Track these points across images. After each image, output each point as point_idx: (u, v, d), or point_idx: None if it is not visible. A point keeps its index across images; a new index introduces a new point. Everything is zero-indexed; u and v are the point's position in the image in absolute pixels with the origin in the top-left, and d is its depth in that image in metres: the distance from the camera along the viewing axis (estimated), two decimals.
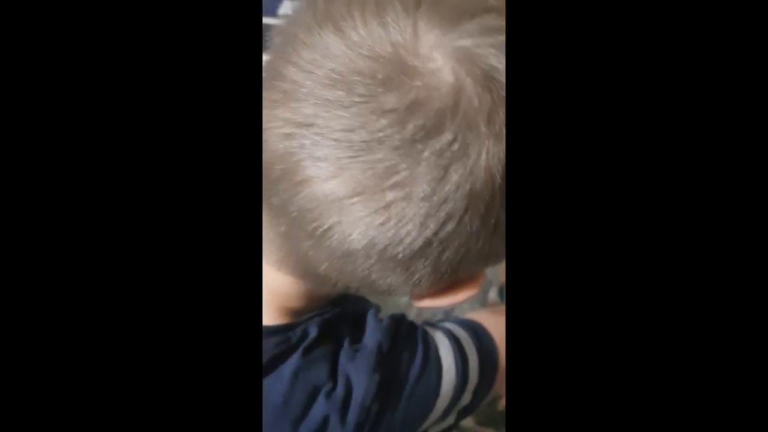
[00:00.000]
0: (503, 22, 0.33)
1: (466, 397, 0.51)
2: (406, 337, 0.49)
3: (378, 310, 0.51)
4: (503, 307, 0.61)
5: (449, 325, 0.54)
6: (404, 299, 0.72)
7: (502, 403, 0.75)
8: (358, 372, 0.45)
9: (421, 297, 0.41)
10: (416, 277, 0.37)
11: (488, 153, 0.32)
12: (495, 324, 0.55)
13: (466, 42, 0.33)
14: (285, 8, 1.13)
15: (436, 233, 0.34)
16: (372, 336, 0.47)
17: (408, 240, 0.34)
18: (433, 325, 0.54)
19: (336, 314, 0.47)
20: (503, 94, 0.32)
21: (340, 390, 0.44)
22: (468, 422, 0.80)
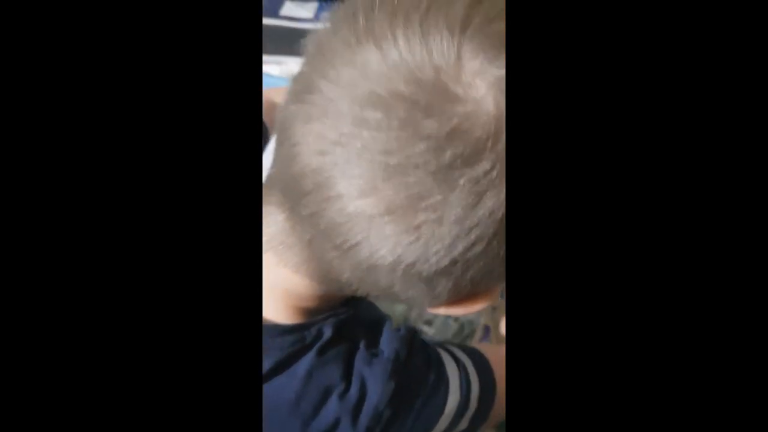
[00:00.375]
0: None
1: (464, 423, 0.52)
2: (420, 351, 0.50)
3: (389, 317, 0.52)
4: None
5: (455, 350, 0.55)
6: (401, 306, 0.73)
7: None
8: (374, 376, 0.46)
9: (438, 305, 0.41)
10: (437, 291, 0.37)
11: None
12: (497, 357, 0.56)
13: None
14: (287, 10, 1.13)
15: (463, 254, 0.34)
16: (390, 343, 0.47)
17: (435, 259, 0.34)
18: (441, 346, 0.54)
19: (350, 316, 0.47)
20: None
21: (354, 392, 0.45)
22: None
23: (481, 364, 0.54)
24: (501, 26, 0.32)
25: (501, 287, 0.42)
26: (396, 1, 0.34)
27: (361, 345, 0.47)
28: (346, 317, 0.47)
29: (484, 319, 0.74)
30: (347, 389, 0.45)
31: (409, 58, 0.32)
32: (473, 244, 0.33)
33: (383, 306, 0.73)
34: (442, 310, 0.42)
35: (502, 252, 0.34)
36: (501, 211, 0.33)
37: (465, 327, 0.71)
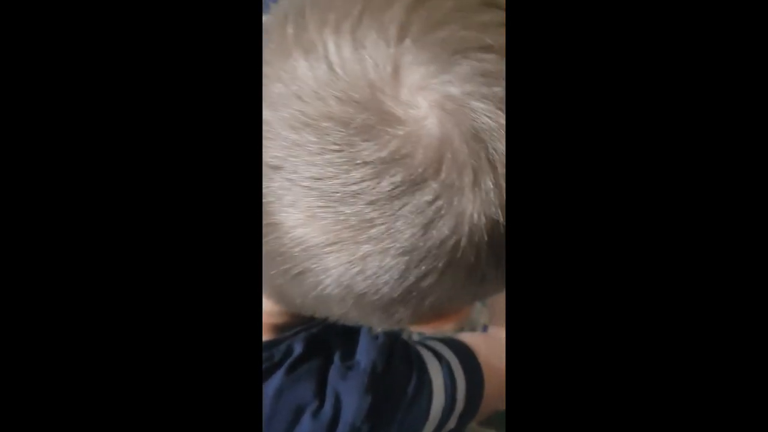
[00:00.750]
0: (503, 66, 0.28)
1: (452, 422, 0.51)
2: (401, 357, 0.47)
3: None
4: (494, 333, 0.61)
5: (439, 347, 0.52)
6: None
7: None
8: (349, 391, 0.43)
9: (402, 326, 0.40)
10: (396, 317, 0.35)
11: (475, 213, 0.29)
12: (483, 348, 0.54)
13: (456, 89, 0.28)
14: None
15: (416, 284, 0.31)
16: (366, 354, 0.45)
17: (386, 290, 0.32)
18: (424, 344, 0.52)
19: (324, 327, 0.44)
20: (494, 153, 0.29)
21: (327, 409, 0.43)
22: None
23: (467, 358, 0.52)
24: (446, 33, 0.29)
25: (472, 306, 0.40)
26: (327, 5, 0.30)
27: (336, 358, 0.44)
28: (319, 330, 0.44)
29: (484, 319, 0.74)
30: (320, 407, 0.43)
31: (341, 73, 0.29)
32: (425, 275, 0.31)
33: None
34: (413, 327, 0.40)
35: (461, 283, 0.32)
36: (451, 242, 0.30)
37: (465, 327, 0.71)
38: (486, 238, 0.30)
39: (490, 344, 0.56)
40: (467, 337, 0.56)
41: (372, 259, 0.31)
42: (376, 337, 0.46)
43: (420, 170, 0.29)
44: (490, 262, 0.31)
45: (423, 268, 0.31)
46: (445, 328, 0.40)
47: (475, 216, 0.30)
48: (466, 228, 0.30)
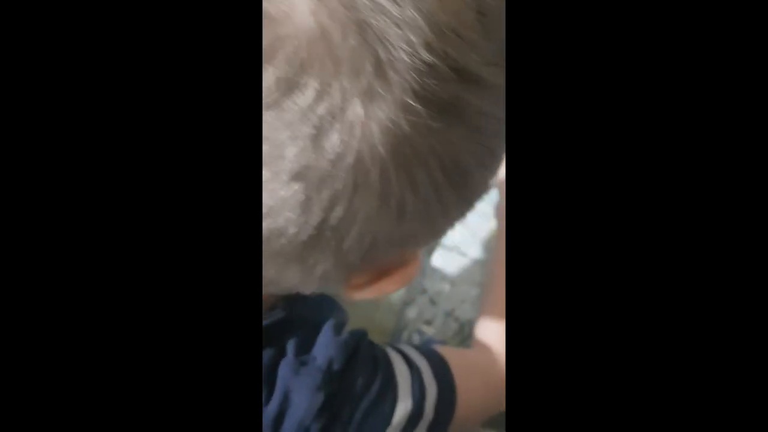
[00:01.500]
0: None
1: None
2: (365, 358, 0.44)
3: (343, 321, 0.46)
4: (476, 348, 0.58)
5: (410, 351, 0.50)
6: (388, 308, 0.72)
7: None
8: (300, 387, 0.41)
9: (350, 291, 0.37)
10: (318, 271, 0.31)
11: (372, 119, 0.26)
12: (459, 362, 0.51)
13: None
14: None
15: (324, 220, 0.28)
16: (324, 349, 0.42)
17: (291, 230, 0.28)
18: (394, 347, 0.50)
19: (281, 319, 0.42)
20: (391, 57, 0.26)
21: (274, 405, 0.41)
22: None
23: (440, 368, 0.49)
24: None
25: (420, 258, 0.37)
26: None
27: (289, 351, 0.42)
28: (274, 321, 0.42)
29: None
30: (267, 402, 0.40)
31: None
32: (331, 205, 0.28)
33: (362, 314, 0.73)
34: (357, 296, 0.37)
35: (375, 214, 0.29)
36: (351, 158, 0.27)
37: (465, 327, 0.71)
38: (387, 155, 0.27)
39: (465, 358, 0.54)
40: (442, 349, 0.53)
41: (265, 189, 0.28)
42: (339, 334, 0.44)
43: (293, 67, 0.26)
44: (404, 184, 0.28)
45: (325, 194, 0.28)
46: (390, 290, 0.36)
47: (375, 121, 0.27)
48: (364, 138, 0.27)
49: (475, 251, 0.74)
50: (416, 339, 0.71)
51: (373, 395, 0.44)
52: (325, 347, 0.42)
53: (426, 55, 0.27)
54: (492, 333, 0.58)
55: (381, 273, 0.36)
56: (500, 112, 0.30)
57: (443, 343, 0.70)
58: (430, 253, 0.75)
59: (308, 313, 0.44)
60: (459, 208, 0.34)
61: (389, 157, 0.27)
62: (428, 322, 0.72)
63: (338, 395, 0.42)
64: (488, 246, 0.74)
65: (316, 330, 0.43)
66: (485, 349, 0.57)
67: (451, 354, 0.52)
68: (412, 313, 0.72)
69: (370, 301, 0.72)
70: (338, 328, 0.44)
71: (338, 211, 0.28)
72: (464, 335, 0.71)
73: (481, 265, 0.74)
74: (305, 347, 0.42)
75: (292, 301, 0.43)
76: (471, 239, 0.75)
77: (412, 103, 0.27)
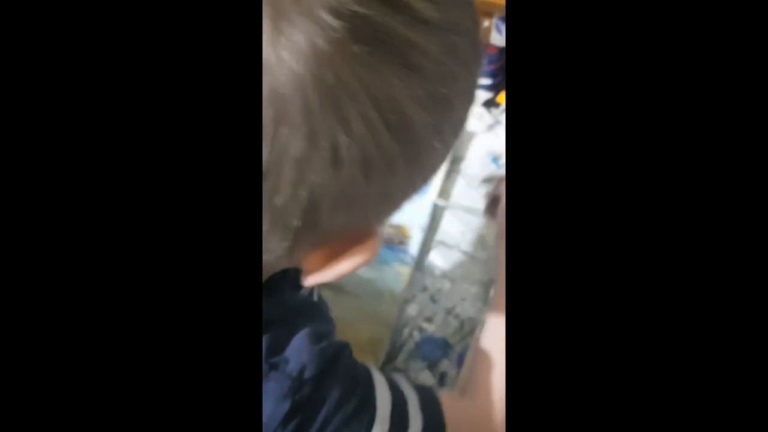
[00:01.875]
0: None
1: None
2: (344, 372, 0.42)
3: (326, 331, 0.43)
4: (470, 399, 0.55)
5: (398, 379, 0.47)
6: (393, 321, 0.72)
7: None
8: (267, 392, 0.39)
9: (307, 275, 0.34)
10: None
11: (283, 33, 0.24)
12: (454, 408, 0.48)
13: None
14: None
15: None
16: (297, 355, 0.40)
17: None
18: (382, 372, 0.47)
19: None
20: None
21: None
22: None
23: (430, 403, 0.46)
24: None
25: (376, 235, 0.33)
26: None
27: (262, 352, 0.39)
28: None
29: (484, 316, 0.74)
30: None
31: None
32: None
33: (365, 306, 0.71)
34: (313, 278, 0.34)
35: (322, 154, 0.26)
36: (266, 87, 0.25)
37: (465, 324, 0.71)
38: (307, 79, 0.25)
39: (461, 408, 0.51)
40: (441, 396, 0.50)
41: None
42: (319, 341, 0.41)
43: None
44: (331, 119, 0.26)
45: None
46: (348, 269, 0.33)
47: (282, 41, 0.25)
48: (268, 61, 0.25)
49: (475, 249, 0.75)
50: (417, 336, 0.71)
51: (349, 411, 0.41)
52: (298, 353, 0.40)
53: None
54: (495, 342, 0.56)
55: (335, 251, 0.33)
56: (452, 61, 0.28)
57: (444, 344, 0.70)
58: (429, 251, 0.75)
59: (286, 315, 0.42)
60: (407, 168, 0.30)
61: (309, 82, 0.25)
62: (429, 320, 0.72)
63: (310, 403, 0.40)
64: (488, 244, 0.74)
65: (290, 333, 0.41)
66: (484, 398, 0.53)
67: (447, 400, 0.49)
68: (412, 310, 0.72)
69: (373, 293, 0.72)
70: (316, 337, 0.41)
71: (263, 152, 0.26)
72: (464, 332, 0.71)
73: (481, 263, 0.74)
74: (275, 349, 0.40)
75: (270, 298, 0.40)
76: (471, 237, 0.75)
77: (325, 17, 0.24)
